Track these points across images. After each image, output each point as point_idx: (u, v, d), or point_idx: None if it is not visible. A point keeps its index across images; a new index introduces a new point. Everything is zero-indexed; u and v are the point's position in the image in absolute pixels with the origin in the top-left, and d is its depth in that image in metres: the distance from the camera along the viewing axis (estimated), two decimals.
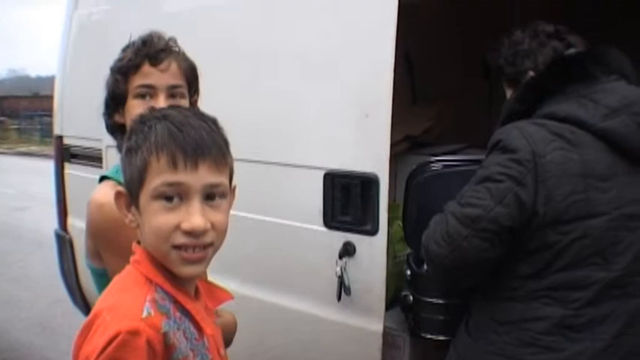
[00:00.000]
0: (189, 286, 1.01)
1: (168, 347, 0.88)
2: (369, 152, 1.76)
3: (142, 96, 1.32)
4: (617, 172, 1.31)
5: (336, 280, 1.83)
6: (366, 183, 1.78)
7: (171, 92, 1.35)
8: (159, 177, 0.90)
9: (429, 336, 1.83)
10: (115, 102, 1.36)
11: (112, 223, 1.16)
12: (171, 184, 0.90)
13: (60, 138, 3.15)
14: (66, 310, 3.79)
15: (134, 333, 0.84)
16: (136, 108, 1.28)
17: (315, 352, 1.98)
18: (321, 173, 1.87)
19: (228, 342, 1.41)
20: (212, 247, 0.95)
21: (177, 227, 0.90)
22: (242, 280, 2.05)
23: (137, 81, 1.32)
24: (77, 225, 2.92)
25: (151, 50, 1.33)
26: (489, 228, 1.29)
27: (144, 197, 0.92)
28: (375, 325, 1.83)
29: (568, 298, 1.30)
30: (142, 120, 0.97)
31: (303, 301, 1.97)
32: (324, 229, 1.89)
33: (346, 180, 1.82)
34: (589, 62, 1.39)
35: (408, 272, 1.93)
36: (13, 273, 5.66)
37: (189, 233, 0.90)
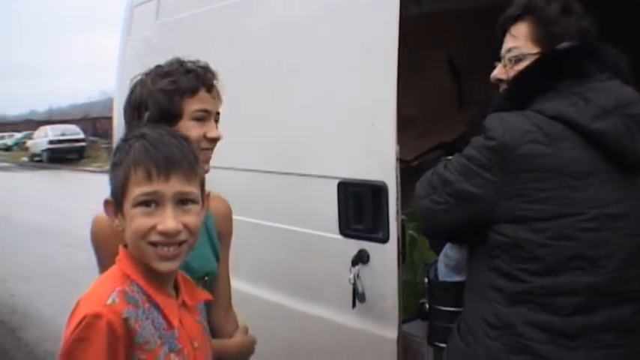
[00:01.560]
0: (166, 283, 1.13)
1: (129, 331, 1.01)
2: (377, 161, 1.80)
3: (199, 119, 1.39)
4: (595, 170, 1.26)
5: (351, 287, 1.86)
6: (376, 191, 1.81)
7: (216, 118, 1.46)
8: (137, 188, 1.05)
9: (442, 345, 1.81)
10: (165, 120, 1.39)
11: (109, 237, 1.26)
12: (147, 194, 1.05)
13: None
14: None
15: (96, 316, 0.98)
16: (193, 129, 1.36)
17: (331, 358, 2.01)
18: (336, 182, 1.92)
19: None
20: (186, 244, 1.09)
21: (153, 228, 1.05)
22: (264, 284, 2.13)
23: (195, 105, 1.38)
24: None
25: (208, 79, 1.41)
26: (454, 195, 1.35)
27: (127, 205, 1.07)
28: (390, 332, 1.84)
29: (555, 303, 1.26)
30: (125, 139, 1.13)
31: (321, 306, 2.02)
32: (339, 236, 1.94)
33: (358, 189, 1.86)
34: (582, 58, 1.33)
35: (426, 280, 1.92)
36: (87, 286, 6.07)
37: (163, 234, 1.05)
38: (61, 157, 23.86)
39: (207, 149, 1.42)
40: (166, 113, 1.34)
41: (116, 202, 1.09)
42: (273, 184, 2.13)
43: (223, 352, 1.47)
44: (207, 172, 1.35)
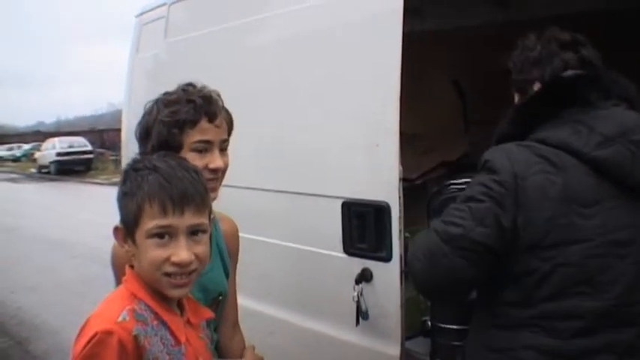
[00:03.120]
0: (172, 302, 1.18)
1: (138, 348, 1.06)
2: (380, 181, 1.83)
3: (200, 151, 1.37)
4: (603, 197, 1.27)
5: (354, 305, 1.89)
6: (379, 211, 1.84)
7: (222, 146, 1.43)
8: (152, 221, 1.10)
9: None
10: (166, 150, 1.36)
11: (124, 260, 1.29)
12: (162, 227, 1.10)
13: None
14: None
15: (108, 333, 1.03)
16: (194, 161, 1.31)
17: None
18: (340, 202, 1.96)
19: None
20: (195, 272, 1.15)
21: (168, 259, 1.10)
22: (270, 301, 2.16)
23: (196, 136, 1.35)
24: None
25: (210, 109, 1.37)
26: (469, 247, 1.28)
27: (139, 235, 1.12)
28: (393, 349, 1.87)
29: (557, 327, 1.26)
30: (135, 168, 1.16)
31: (325, 323, 2.05)
32: (343, 255, 1.97)
33: (361, 208, 1.90)
34: (584, 86, 1.35)
35: None
36: (95, 298, 6.10)
37: (177, 264, 1.11)
38: (69, 168, 23.95)
39: (212, 179, 1.38)
40: (165, 145, 1.32)
41: (127, 230, 1.14)
42: (278, 203, 2.18)
43: None
44: (214, 200, 1.36)
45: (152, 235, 1.10)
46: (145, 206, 1.10)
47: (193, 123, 1.35)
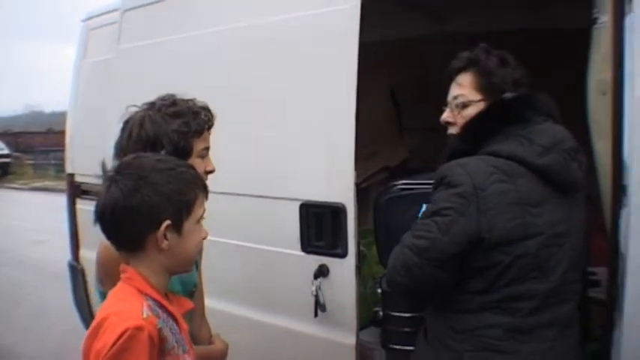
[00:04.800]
0: (167, 296, 1.30)
1: (162, 340, 1.17)
2: (337, 184, 2.01)
3: (202, 157, 1.59)
4: (546, 198, 1.51)
5: (313, 299, 2.06)
6: (335, 212, 2.02)
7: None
8: (201, 208, 1.29)
9: (396, 347, 2.03)
10: (178, 156, 1.50)
11: (114, 261, 1.39)
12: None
13: (71, 175, 3.43)
14: (80, 337, 3.99)
15: (139, 328, 1.12)
16: (199, 165, 1.54)
17: None
18: (298, 204, 2.11)
19: None
20: None
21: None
22: (233, 300, 2.28)
23: (201, 144, 1.58)
24: (88, 256, 3.17)
25: (211, 120, 1.60)
26: (438, 257, 1.45)
27: (190, 223, 1.26)
28: (349, 339, 2.05)
29: (514, 307, 1.49)
30: (157, 169, 1.26)
31: (285, 317, 2.21)
32: (301, 253, 2.13)
33: (319, 209, 2.07)
34: (521, 106, 1.58)
35: (379, 290, 2.14)
36: (30, 303, 5.90)
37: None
38: None
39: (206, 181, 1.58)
40: (182, 151, 1.51)
41: (175, 223, 1.23)
42: (240, 206, 2.31)
43: (211, 356, 1.67)
44: None
45: (200, 219, 1.28)
46: (199, 196, 1.27)
47: (200, 132, 1.57)
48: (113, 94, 2.84)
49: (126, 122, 1.57)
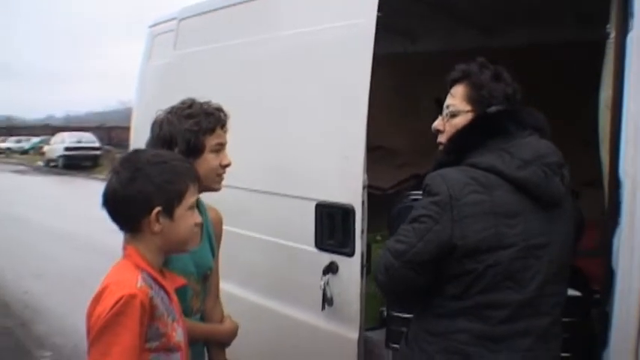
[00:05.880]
0: (161, 272, 1.50)
1: (152, 307, 1.36)
2: (347, 187, 2.14)
3: (216, 151, 1.76)
4: (523, 210, 1.54)
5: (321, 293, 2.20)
6: (345, 213, 2.15)
7: (226, 146, 1.83)
8: (193, 197, 1.49)
9: (396, 346, 2.12)
10: (192, 153, 1.72)
11: None
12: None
13: None
14: None
15: (133, 296, 1.32)
16: (213, 160, 1.74)
17: (302, 353, 2.34)
18: (314, 204, 2.26)
19: (224, 343, 1.92)
20: None
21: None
22: (250, 288, 2.47)
23: (214, 140, 1.74)
24: None
25: (222, 119, 1.78)
26: (413, 260, 1.53)
27: (181, 209, 1.45)
28: (353, 333, 2.17)
29: (486, 315, 1.53)
30: (153, 162, 1.46)
31: (296, 308, 2.37)
32: (315, 249, 2.28)
33: (331, 210, 2.21)
34: (505, 120, 1.62)
35: None
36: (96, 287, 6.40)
37: (197, 225, 1.54)
38: (76, 163, 24.23)
39: (222, 174, 1.81)
40: (194, 148, 1.71)
41: (166, 209, 1.42)
42: (262, 202, 2.50)
43: (217, 334, 1.88)
44: (219, 190, 1.81)
45: (192, 206, 1.47)
46: (191, 186, 1.46)
47: (212, 130, 1.74)
48: (168, 95, 3.10)
49: (153, 124, 1.78)
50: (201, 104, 1.77)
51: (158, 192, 1.41)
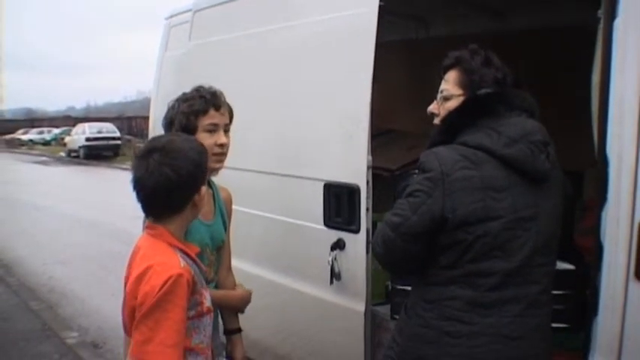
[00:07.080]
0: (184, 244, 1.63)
1: (194, 283, 1.50)
2: (352, 167, 2.26)
3: (210, 131, 1.88)
4: (511, 184, 1.65)
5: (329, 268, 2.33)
6: (351, 192, 2.27)
7: (225, 128, 1.94)
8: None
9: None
10: (186, 132, 1.84)
11: None
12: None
13: None
14: None
15: (180, 275, 1.45)
16: (206, 139, 1.83)
17: (312, 326, 2.48)
18: (322, 184, 2.39)
19: (238, 309, 2.06)
20: None
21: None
22: (262, 264, 2.63)
23: (206, 120, 1.87)
24: None
25: (216, 101, 1.89)
26: (408, 232, 1.64)
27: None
28: (360, 306, 2.30)
29: (476, 283, 1.65)
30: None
31: (306, 283, 2.51)
32: (324, 227, 2.41)
33: (338, 189, 2.34)
34: (494, 102, 1.73)
35: None
36: (119, 272, 6.63)
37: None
38: (97, 153, 24.63)
39: (220, 154, 1.90)
40: (186, 128, 1.85)
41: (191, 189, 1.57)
42: (273, 183, 2.64)
43: (229, 299, 2.03)
44: (219, 169, 1.91)
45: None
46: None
47: (205, 111, 1.87)
48: (184, 85, 3.25)
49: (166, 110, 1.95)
50: (198, 90, 1.91)
51: (201, 172, 1.57)
